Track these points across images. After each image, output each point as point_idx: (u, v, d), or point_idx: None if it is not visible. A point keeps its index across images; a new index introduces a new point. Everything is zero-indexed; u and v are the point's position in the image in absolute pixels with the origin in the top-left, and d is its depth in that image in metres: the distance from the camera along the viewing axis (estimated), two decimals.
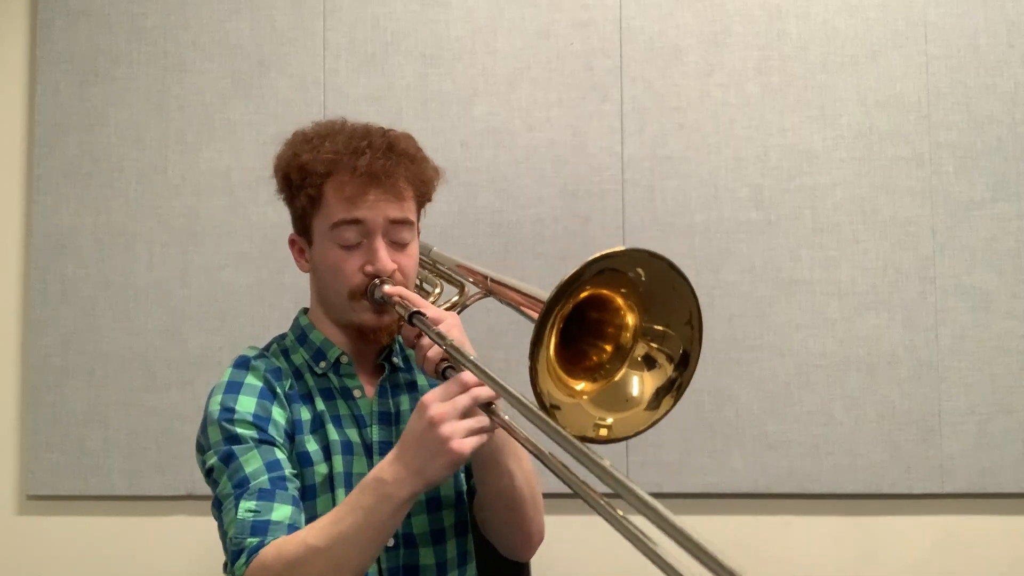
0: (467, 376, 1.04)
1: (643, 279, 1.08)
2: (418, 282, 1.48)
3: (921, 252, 2.00)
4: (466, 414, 1.03)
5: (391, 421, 1.29)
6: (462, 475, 1.34)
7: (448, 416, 1.02)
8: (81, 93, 2.11)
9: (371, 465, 1.24)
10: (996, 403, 1.96)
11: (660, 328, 1.12)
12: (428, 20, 2.09)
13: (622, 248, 1.03)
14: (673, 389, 1.11)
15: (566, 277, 1.00)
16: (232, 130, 2.10)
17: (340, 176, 1.22)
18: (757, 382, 1.99)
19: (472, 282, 1.41)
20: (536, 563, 1.53)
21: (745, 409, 1.99)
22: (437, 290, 1.48)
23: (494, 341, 1.94)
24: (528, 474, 1.26)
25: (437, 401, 1.03)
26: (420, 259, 1.39)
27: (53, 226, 2.09)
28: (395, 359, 1.34)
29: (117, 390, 2.05)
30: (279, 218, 2.08)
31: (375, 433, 1.27)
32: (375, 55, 2.09)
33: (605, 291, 1.11)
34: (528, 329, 1.05)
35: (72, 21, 2.12)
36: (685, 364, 1.11)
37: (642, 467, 1.97)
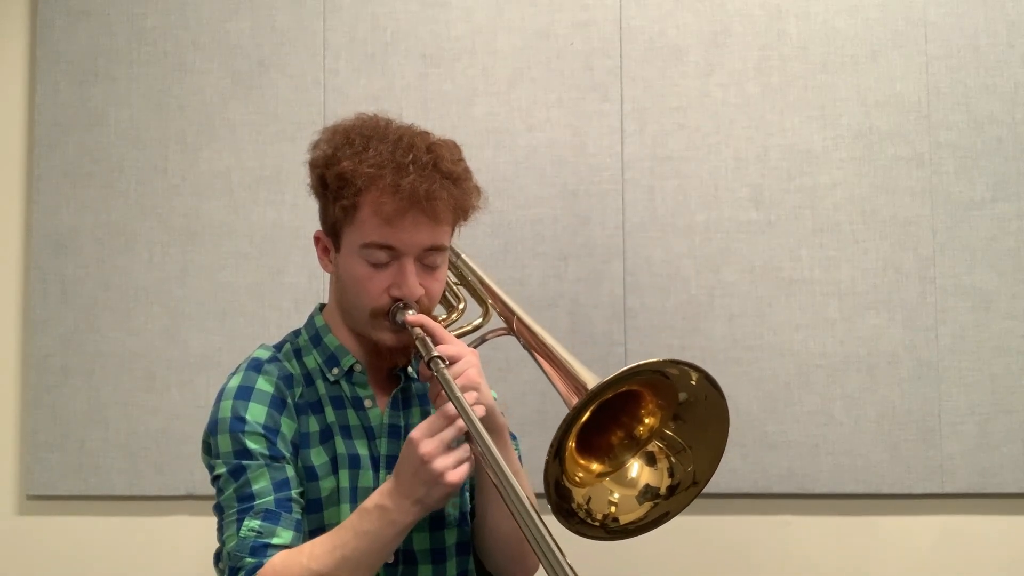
0: (450, 408, 1.08)
1: (691, 397, 1.13)
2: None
3: (921, 252, 2.00)
4: (452, 445, 1.08)
5: (400, 435, 1.28)
6: (467, 495, 1.33)
7: (438, 451, 1.07)
8: (81, 93, 2.11)
9: (377, 479, 1.24)
10: (996, 403, 1.96)
11: (681, 441, 1.16)
12: (428, 20, 2.09)
13: (699, 371, 1.09)
14: (653, 503, 1.16)
15: (617, 373, 1.05)
16: (232, 130, 2.10)
17: (380, 194, 1.17)
18: (757, 382, 1.99)
19: (497, 311, 1.39)
20: None
21: (745, 409, 1.99)
22: (461, 305, 1.43)
23: (494, 341, 1.93)
24: None
25: (426, 438, 1.08)
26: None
27: (53, 226, 2.09)
28: (410, 369, 1.33)
29: (117, 390, 2.05)
30: (279, 218, 2.09)
31: (383, 447, 1.26)
32: (375, 55, 2.09)
33: (643, 389, 1.15)
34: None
35: (72, 21, 2.12)
36: (672, 493, 1.16)
37: None
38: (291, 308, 2.04)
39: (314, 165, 1.25)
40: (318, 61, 2.10)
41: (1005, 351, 1.97)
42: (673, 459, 1.16)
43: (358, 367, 1.28)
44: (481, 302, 1.42)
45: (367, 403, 1.27)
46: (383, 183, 1.17)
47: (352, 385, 1.28)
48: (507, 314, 1.35)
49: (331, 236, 1.26)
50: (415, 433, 1.08)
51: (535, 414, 1.96)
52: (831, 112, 2.03)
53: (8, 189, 2.14)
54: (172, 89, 2.11)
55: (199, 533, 2.02)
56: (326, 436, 1.24)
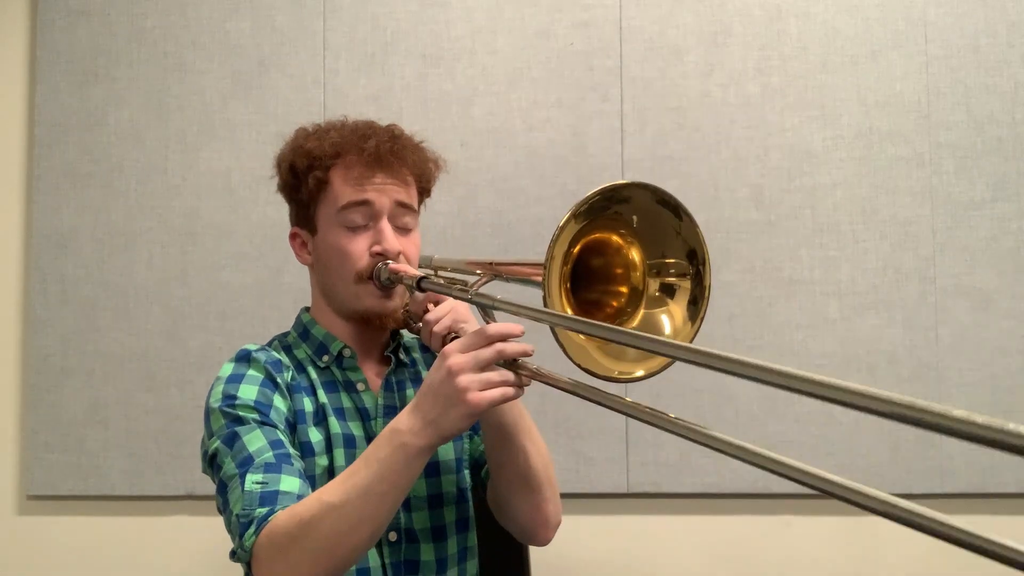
0: (492, 328, 1.02)
1: (632, 216, 1.06)
2: None
3: (921, 252, 2.00)
4: (487, 367, 1.01)
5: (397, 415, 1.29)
6: (466, 472, 1.34)
7: (467, 367, 1.00)
8: (81, 93, 2.11)
9: None
10: (996, 403, 1.96)
11: (664, 260, 1.08)
12: (428, 20, 2.09)
13: (602, 188, 1.00)
14: (702, 295, 1.06)
15: (557, 229, 1.00)
16: (232, 130, 2.10)
17: (347, 158, 1.25)
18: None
19: (477, 273, 1.41)
20: (536, 560, 1.53)
21: (745, 409, 1.99)
22: None
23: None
24: (543, 454, 1.26)
25: (457, 352, 1.01)
26: (424, 270, 1.38)
27: (53, 226, 2.09)
28: (401, 355, 1.34)
29: (117, 390, 2.05)
30: (279, 218, 2.08)
31: (379, 427, 1.26)
32: (375, 55, 2.09)
33: (601, 235, 1.09)
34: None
35: (72, 21, 2.12)
36: (700, 265, 1.05)
37: (642, 467, 1.97)
38: (291, 308, 2.01)
39: (281, 160, 1.33)
40: (318, 61, 2.10)
41: (1005, 351, 1.97)
42: (673, 272, 1.08)
43: (347, 352, 1.29)
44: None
45: (360, 386, 1.28)
46: (350, 150, 1.25)
47: (343, 370, 1.29)
48: (485, 267, 1.36)
49: (306, 224, 1.32)
50: (449, 347, 1.02)
51: (535, 415, 1.95)
52: (831, 112, 2.03)
53: (8, 189, 2.14)
54: (172, 89, 2.11)
55: (199, 533, 2.02)
56: (319, 417, 1.24)
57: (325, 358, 1.29)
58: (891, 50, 2.04)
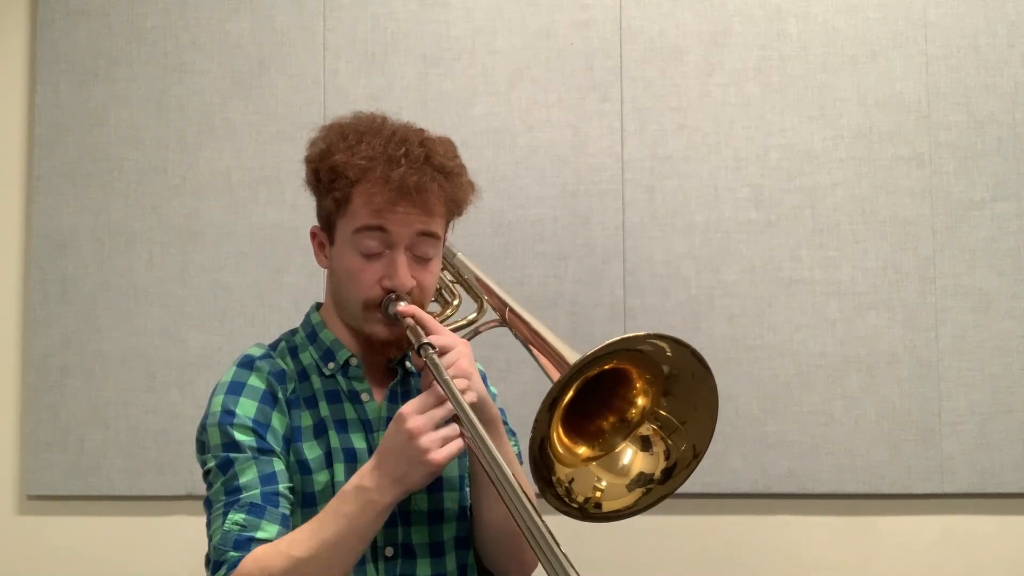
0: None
1: (674, 369, 1.11)
2: (438, 287, 1.45)
3: (921, 252, 2.00)
4: (441, 425, 1.08)
5: None
6: (467, 490, 1.32)
7: (425, 428, 1.06)
8: (81, 93, 2.11)
9: None
10: (996, 403, 1.96)
11: (675, 420, 1.14)
12: (428, 20, 2.09)
13: (679, 344, 1.08)
14: (646, 489, 1.13)
15: (599, 348, 1.04)
16: (232, 130, 2.10)
17: (371, 185, 1.19)
18: (757, 382, 1.99)
19: (490, 303, 1.39)
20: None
21: (745, 409, 1.99)
22: (456, 302, 1.43)
23: (494, 341, 1.93)
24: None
25: (415, 414, 1.07)
26: (442, 263, 1.37)
27: (53, 226, 2.09)
28: (408, 364, 1.33)
29: (117, 390, 2.05)
30: (279, 218, 2.09)
31: (381, 440, 1.26)
32: (375, 55, 2.09)
33: (630, 368, 1.13)
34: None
35: (72, 21, 2.12)
36: (668, 477, 1.13)
37: None
38: (291, 308, 2.04)
39: (309, 161, 1.27)
40: (318, 61, 2.10)
41: (1005, 351, 1.97)
42: (669, 440, 1.13)
43: (354, 361, 1.28)
44: (476, 298, 1.43)
45: (364, 396, 1.27)
46: (374, 175, 1.18)
47: (348, 379, 1.28)
48: (499, 306, 1.35)
49: (326, 230, 1.28)
50: (405, 408, 1.08)
51: (530, 414, 1.95)
52: (831, 112, 2.03)
53: (8, 189, 2.14)
54: (172, 89, 2.11)
55: (199, 533, 2.01)
56: (320, 430, 1.24)
57: (331, 365, 1.27)
58: (891, 50, 2.04)
